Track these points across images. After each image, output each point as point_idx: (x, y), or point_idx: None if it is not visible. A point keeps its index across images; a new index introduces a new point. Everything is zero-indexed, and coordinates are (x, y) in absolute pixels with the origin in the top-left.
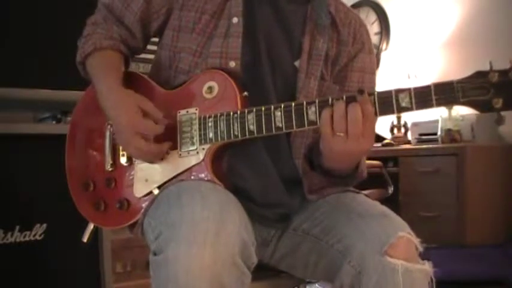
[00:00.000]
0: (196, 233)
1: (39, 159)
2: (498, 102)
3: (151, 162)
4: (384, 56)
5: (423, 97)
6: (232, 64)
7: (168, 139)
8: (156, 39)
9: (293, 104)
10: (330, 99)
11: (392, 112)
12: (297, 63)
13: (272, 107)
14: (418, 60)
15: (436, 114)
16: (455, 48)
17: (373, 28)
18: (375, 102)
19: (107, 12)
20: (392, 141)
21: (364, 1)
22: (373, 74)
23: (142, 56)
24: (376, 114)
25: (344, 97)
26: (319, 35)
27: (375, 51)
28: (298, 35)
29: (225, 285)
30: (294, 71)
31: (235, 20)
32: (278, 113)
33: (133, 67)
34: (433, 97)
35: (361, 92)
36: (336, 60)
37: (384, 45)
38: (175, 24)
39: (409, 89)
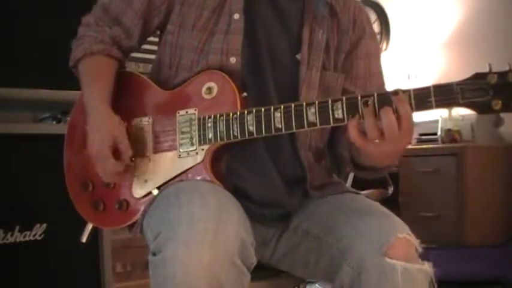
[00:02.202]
0: (195, 233)
1: (39, 159)
2: (497, 104)
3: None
4: (384, 56)
5: (422, 98)
6: (233, 60)
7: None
8: (155, 39)
9: (293, 105)
10: (330, 101)
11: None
12: (298, 56)
13: (272, 107)
14: (418, 61)
15: (436, 114)
16: (455, 48)
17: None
18: (374, 104)
19: (102, 12)
20: None
21: (364, 1)
22: (378, 57)
23: (142, 56)
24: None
25: (375, 100)
26: (318, 26)
27: (377, 42)
28: (297, 28)
29: (223, 285)
30: (295, 65)
31: (236, 16)
32: (278, 114)
33: (133, 67)
34: (433, 99)
35: (395, 92)
36: (339, 48)
37: (384, 45)
38: (177, 20)
39: (408, 90)
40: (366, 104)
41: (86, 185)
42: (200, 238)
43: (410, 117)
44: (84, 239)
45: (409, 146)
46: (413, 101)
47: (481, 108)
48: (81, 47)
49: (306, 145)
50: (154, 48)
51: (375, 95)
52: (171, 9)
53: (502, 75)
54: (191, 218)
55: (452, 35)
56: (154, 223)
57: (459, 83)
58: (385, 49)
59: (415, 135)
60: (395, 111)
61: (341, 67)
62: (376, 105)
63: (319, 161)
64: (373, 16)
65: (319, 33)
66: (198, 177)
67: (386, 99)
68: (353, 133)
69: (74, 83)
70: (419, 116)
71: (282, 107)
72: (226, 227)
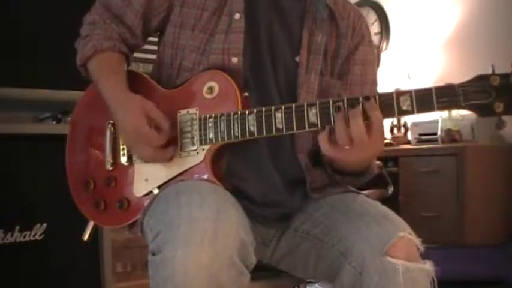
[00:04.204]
0: (195, 233)
1: (39, 159)
2: (499, 107)
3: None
4: (384, 56)
5: (424, 100)
6: (234, 60)
7: (169, 139)
8: (155, 39)
9: (294, 106)
10: (331, 101)
11: (393, 115)
12: (297, 59)
13: (273, 108)
14: (418, 60)
15: (436, 114)
16: (455, 48)
17: (373, 28)
18: (345, 109)
19: (105, 10)
20: (392, 141)
21: (364, 1)
22: (374, 65)
23: (143, 56)
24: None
25: (345, 102)
26: (317, 30)
27: (374, 51)
28: (297, 30)
29: (222, 285)
30: (295, 67)
31: (237, 16)
32: (279, 115)
33: (134, 67)
34: (435, 101)
35: (367, 98)
36: (336, 54)
37: (384, 45)
38: (177, 21)
39: (410, 92)
40: (338, 108)
41: (88, 183)
42: (199, 238)
43: (381, 124)
44: (85, 237)
45: (409, 146)
46: (414, 103)
47: (483, 110)
48: (90, 44)
49: (305, 148)
50: (155, 48)
51: (345, 99)
52: (171, 11)
53: (504, 77)
54: (190, 218)
55: (452, 35)
56: (154, 222)
57: (462, 85)
58: (385, 49)
59: (415, 135)
60: (366, 118)
61: (337, 73)
62: (347, 111)
63: (318, 164)
64: (373, 16)
65: (319, 37)
66: (199, 177)
67: (356, 103)
68: (325, 145)
69: (74, 83)
70: (419, 116)
71: (283, 107)
72: (226, 227)
